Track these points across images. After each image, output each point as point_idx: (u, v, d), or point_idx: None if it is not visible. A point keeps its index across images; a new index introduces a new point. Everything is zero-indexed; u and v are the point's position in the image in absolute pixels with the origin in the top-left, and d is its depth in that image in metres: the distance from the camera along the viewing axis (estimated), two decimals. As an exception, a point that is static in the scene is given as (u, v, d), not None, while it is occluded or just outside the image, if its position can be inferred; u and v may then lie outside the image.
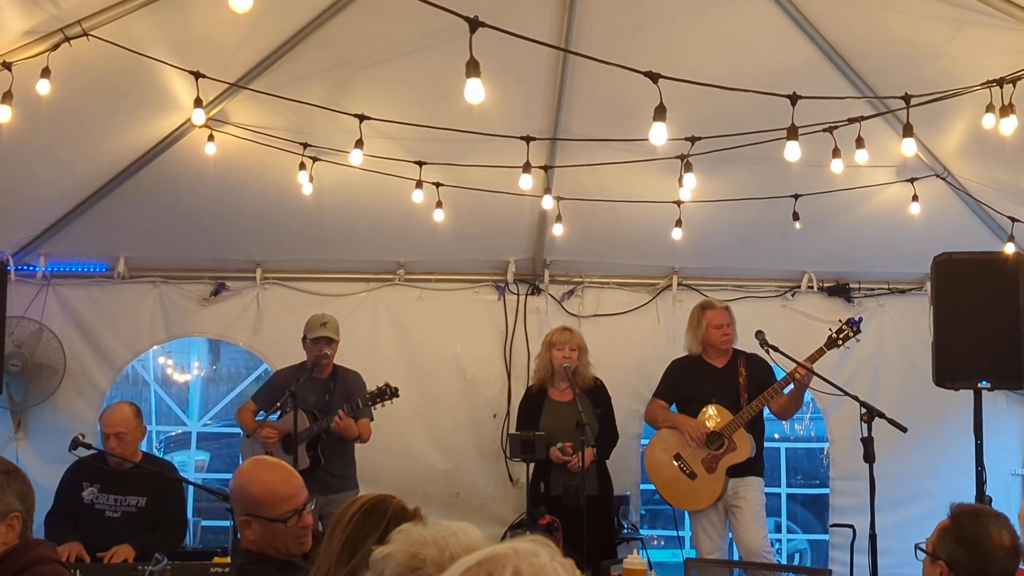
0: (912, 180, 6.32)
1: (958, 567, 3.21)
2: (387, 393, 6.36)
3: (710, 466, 6.45)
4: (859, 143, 5.10)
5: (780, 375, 6.61)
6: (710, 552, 6.49)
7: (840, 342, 6.34)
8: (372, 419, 6.64)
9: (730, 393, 6.53)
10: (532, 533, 5.59)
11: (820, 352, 6.32)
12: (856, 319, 6.42)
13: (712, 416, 6.48)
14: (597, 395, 6.70)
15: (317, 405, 6.43)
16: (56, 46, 4.71)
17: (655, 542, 8.05)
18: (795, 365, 6.27)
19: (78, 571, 5.23)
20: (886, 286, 7.66)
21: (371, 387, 6.48)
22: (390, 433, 7.16)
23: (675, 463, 6.53)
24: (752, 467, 6.53)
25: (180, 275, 7.57)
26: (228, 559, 5.26)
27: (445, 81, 4.66)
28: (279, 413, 6.43)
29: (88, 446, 5.61)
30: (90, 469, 5.86)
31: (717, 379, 6.62)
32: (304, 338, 6.59)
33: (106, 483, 5.86)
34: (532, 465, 6.47)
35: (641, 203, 6.68)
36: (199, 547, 6.74)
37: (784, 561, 8.46)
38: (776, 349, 6.31)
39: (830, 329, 6.38)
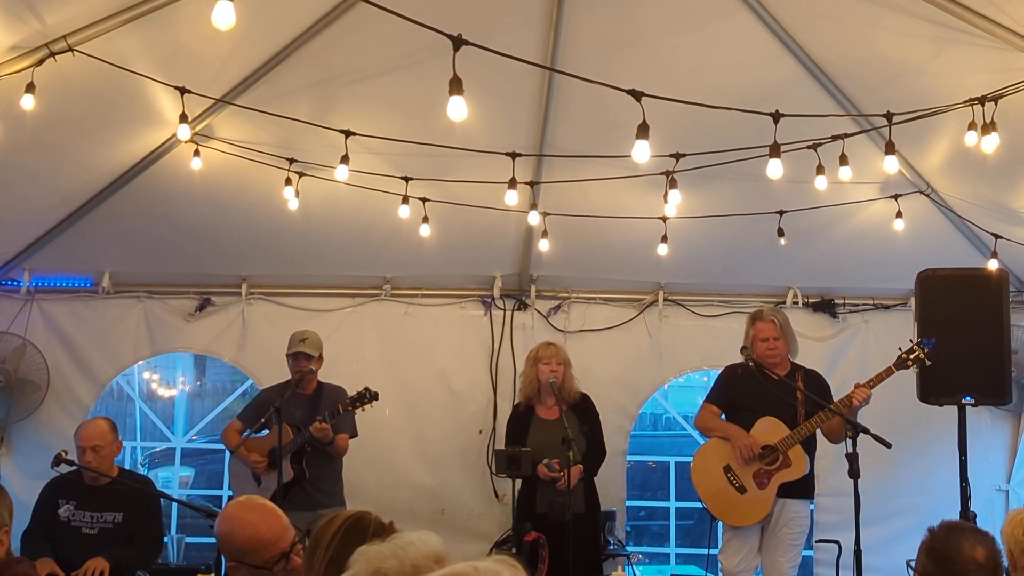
0: (896, 197, 6.36)
1: None
2: (367, 397, 6.32)
3: (761, 481, 6.14)
4: (843, 160, 5.14)
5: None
6: (735, 572, 6.23)
7: (911, 363, 5.97)
8: (355, 435, 6.63)
9: (787, 407, 6.20)
10: (517, 549, 5.56)
11: (888, 372, 6.01)
12: (929, 340, 5.96)
13: (767, 430, 6.17)
14: (583, 410, 6.66)
15: (303, 420, 6.41)
16: (41, 61, 4.70)
17: (639, 559, 8.01)
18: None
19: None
20: (871, 302, 7.68)
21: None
22: (376, 448, 7.15)
23: (725, 475, 6.23)
24: (803, 487, 6.25)
25: (165, 290, 7.55)
26: (212, 576, 5.23)
27: (431, 97, 4.66)
28: (265, 430, 6.40)
29: (71, 463, 5.58)
30: (66, 486, 5.82)
31: (773, 391, 6.22)
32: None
33: (82, 500, 5.81)
34: (519, 481, 6.46)
35: (627, 219, 6.70)
36: (183, 564, 6.71)
37: None
38: (760, 366, 6.25)
39: (900, 349, 6.00)
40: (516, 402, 6.98)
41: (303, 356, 6.47)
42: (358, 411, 6.40)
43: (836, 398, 6.13)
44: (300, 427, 6.36)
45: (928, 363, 5.94)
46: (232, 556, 3.31)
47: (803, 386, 6.23)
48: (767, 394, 6.22)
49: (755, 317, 6.48)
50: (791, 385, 6.15)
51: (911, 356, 5.98)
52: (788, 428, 6.13)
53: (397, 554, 2.03)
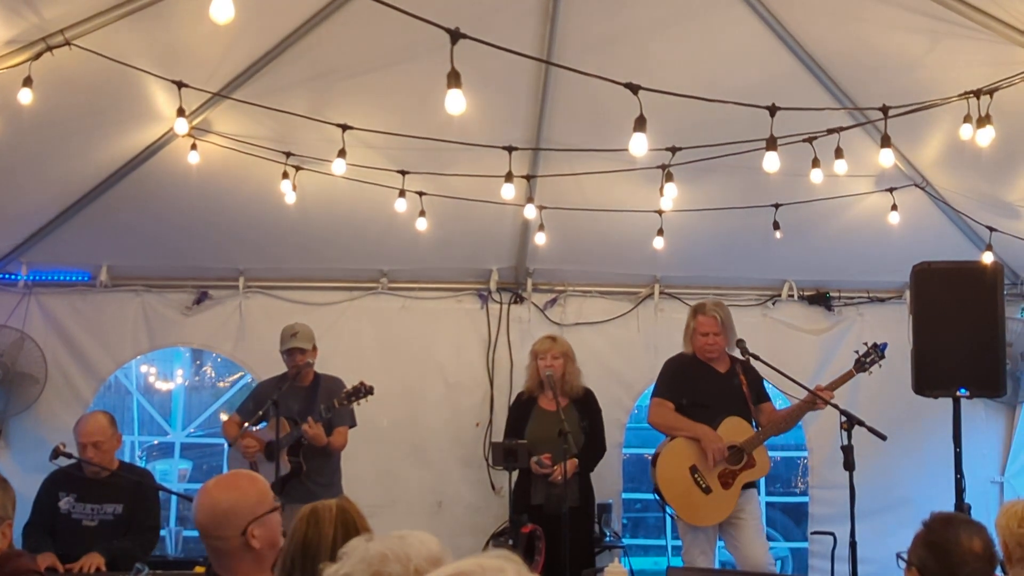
0: (891, 190, 6.37)
1: (927, 572, 3.24)
2: (362, 391, 6.33)
3: (726, 481, 6.19)
4: (838, 153, 5.16)
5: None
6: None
7: (867, 366, 6.21)
8: (354, 425, 6.63)
9: (738, 402, 6.32)
10: (514, 541, 5.57)
11: (849, 375, 6.24)
12: (882, 345, 6.24)
13: (732, 430, 6.23)
14: (585, 406, 6.68)
15: (300, 413, 6.42)
16: (38, 55, 4.71)
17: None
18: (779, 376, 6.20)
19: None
20: (866, 295, 7.70)
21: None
22: (373, 441, 7.17)
23: (690, 476, 6.22)
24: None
25: (163, 284, 7.55)
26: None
27: (427, 91, 4.68)
28: (264, 423, 6.42)
29: (69, 455, 5.60)
30: (67, 479, 5.84)
31: (722, 385, 6.39)
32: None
33: (83, 492, 5.83)
34: (516, 473, 6.47)
35: (623, 212, 6.71)
36: (181, 556, 6.72)
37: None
38: (757, 357, 6.29)
39: (856, 352, 6.26)
40: (520, 391, 6.99)
41: (297, 351, 6.48)
42: (355, 405, 6.42)
43: (839, 390, 6.24)
44: (297, 420, 6.38)
45: (880, 367, 6.21)
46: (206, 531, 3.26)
47: (745, 379, 6.39)
48: (719, 389, 6.36)
49: (697, 310, 6.57)
50: (804, 387, 6.18)
51: (867, 359, 6.21)
52: (750, 426, 6.25)
53: (399, 556, 1.98)
